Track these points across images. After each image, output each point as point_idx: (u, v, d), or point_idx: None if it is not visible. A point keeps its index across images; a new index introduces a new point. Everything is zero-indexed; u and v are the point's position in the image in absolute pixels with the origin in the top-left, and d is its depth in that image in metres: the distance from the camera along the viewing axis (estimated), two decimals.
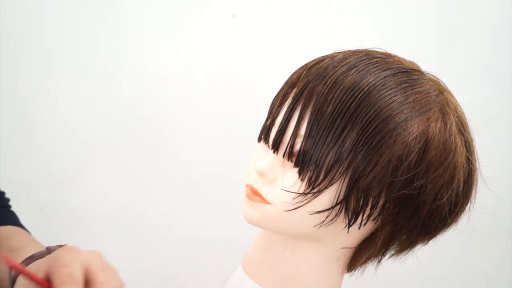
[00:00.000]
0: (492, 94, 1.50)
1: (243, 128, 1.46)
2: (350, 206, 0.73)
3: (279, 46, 1.54)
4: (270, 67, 1.53)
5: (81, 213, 1.63)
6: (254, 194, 0.76)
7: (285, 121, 0.74)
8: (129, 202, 1.63)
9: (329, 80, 0.73)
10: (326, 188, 0.72)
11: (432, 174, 0.72)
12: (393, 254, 0.81)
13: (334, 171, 0.71)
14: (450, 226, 0.79)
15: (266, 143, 0.77)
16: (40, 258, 0.71)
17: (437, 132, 0.72)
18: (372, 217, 0.74)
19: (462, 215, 0.79)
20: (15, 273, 0.69)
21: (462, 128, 0.76)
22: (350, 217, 0.73)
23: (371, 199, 0.72)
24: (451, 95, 0.78)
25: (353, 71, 0.73)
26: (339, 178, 0.72)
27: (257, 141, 0.80)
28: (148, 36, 1.56)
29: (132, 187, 1.62)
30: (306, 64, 0.78)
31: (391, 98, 0.71)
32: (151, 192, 1.62)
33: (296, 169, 0.73)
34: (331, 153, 0.71)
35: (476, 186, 0.78)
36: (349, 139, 0.71)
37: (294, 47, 1.52)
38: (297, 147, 0.73)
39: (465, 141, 0.76)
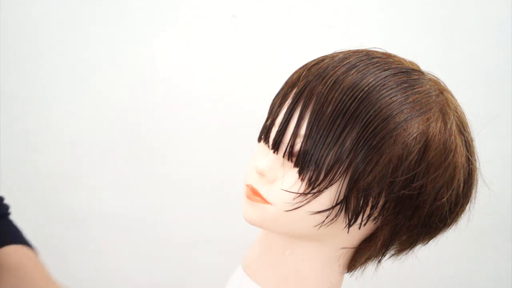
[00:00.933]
0: (492, 94, 1.50)
1: (243, 128, 1.46)
2: (350, 206, 0.73)
3: (279, 46, 1.54)
4: (270, 67, 1.53)
5: (81, 214, 1.63)
6: (254, 194, 0.76)
7: (285, 121, 0.74)
8: (129, 202, 1.63)
9: (329, 80, 0.73)
10: (326, 188, 0.72)
11: (432, 174, 0.72)
12: (393, 254, 0.81)
13: (334, 171, 0.71)
14: (450, 226, 0.79)
15: (266, 143, 0.77)
16: None
17: (437, 132, 0.72)
18: (372, 217, 0.74)
19: (462, 215, 0.79)
20: None
21: (462, 128, 0.76)
22: (350, 217, 0.73)
23: (371, 199, 0.72)
24: (451, 95, 0.78)
25: (353, 71, 0.73)
26: (339, 178, 0.72)
27: (257, 141, 0.80)
28: (148, 37, 1.56)
29: (132, 188, 1.62)
30: (306, 64, 0.78)
31: (391, 98, 0.71)
32: (151, 192, 1.62)
33: (296, 169, 0.73)
34: (331, 153, 0.71)
35: (476, 186, 0.78)
36: (349, 139, 0.71)
37: (294, 47, 1.52)
38: (297, 147, 0.73)
39: (465, 141, 0.76)
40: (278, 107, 0.76)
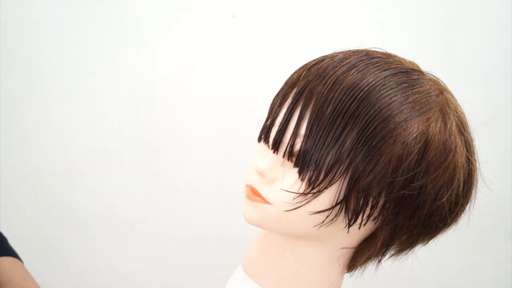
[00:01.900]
0: (492, 94, 1.50)
1: (243, 128, 1.46)
2: (350, 206, 0.73)
3: (279, 46, 1.54)
4: (270, 67, 1.53)
5: (81, 214, 1.63)
6: (254, 194, 0.76)
7: (285, 121, 0.74)
8: (129, 202, 1.63)
9: (329, 80, 0.73)
10: (326, 188, 0.72)
11: (432, 174, 0.72)
12: (393, 254, 0.81)
13: (334, 171, 0.71)
14: (450, 226, 0.79)
15: (266, 143, 0.77)
16: None
17: (437, 132, 0.72)
18: (372, 217, 0.74)
19: (462, 215, 0.79)
20: None
21: (462, 128, 0.76)
22: (350, 217, 0.73)
23: (371, 199, 0.72)
24: (451, 95, 0.78)
25: (353, 71, 0.73)
26: (339, 178, 0.72)
27: (257, 141, 0.80)
28: (148, 37, 1.56)
29: (132, 188, 1.62)
30: (306, 64, 0.78)
31: (391, 98, 0.71)
32: (151, 192, 1.62)
33: (296, 169, 0.73)
34: (331, 153, 0.71)
35: (476, 186, 0.79)
36: (349, 139, 0.71)
37: (294, 47, 1.52)
38: (297, 147, 0.73)
39: (465, 141, 0.76)
40: (278, 107, 0.76)
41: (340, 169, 0.71)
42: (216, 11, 1.54)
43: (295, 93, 0.75)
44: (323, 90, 0.72)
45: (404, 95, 0.72)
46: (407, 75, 0.74)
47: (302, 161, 0.72)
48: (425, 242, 0.80)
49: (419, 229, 0.76)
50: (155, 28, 1.55)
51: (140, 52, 1.56)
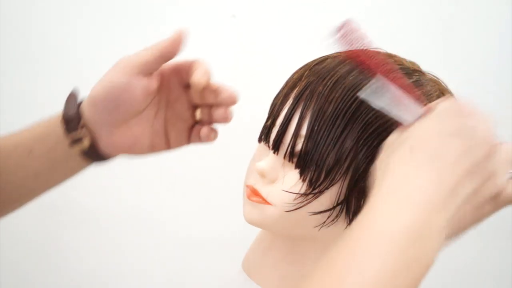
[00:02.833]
0: (492, 94, 1.50)
1: (243, 128, 1.46)
2: (351, 207, 0.73)
3: (279, 46, 1.54)
4: (270, 67, 1.53)
5: (81, 214, 1.63)
6: (254, 194, 0.75)
7: (285, 122, 0.74)
8: (129, 202, 1.62)
9: (330, 80, 0.73)
10: (327, 188, 0.72)
11: None
12: None
13: (335, 172, 0.71)
14: None
15: (266, 144, 0.77)
16: None
17: None
18: None
19: None
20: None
21: None
22: (351, 217, 0.73)
23: None
24: (452, 95, 0.78)
25: (354, 72, 0.73)
26: (340, 178, 0.72)
27: (257, 142, 0.80)
28: (148, 36, 1.56)
29: (132, 187, 1.62)
30: (307, 64, 0.78)
31: None
32: (151, 192, 1.62)
33: (297, 170, 0.73)
34: (331, 154, 0.71)
35: None
36: (350, 139, 0.71)
37: (295, 47, 1.52)
38: (298, 147, 0.73)
39: None
40: (279, 107, 0.76)
41: (341, 170, 0.71)
42: (216, 11, 1.54)
43: (296, 93, 0.75)
44: (324, 90, 0.72)
45: None
46: (408, 75, 0.74)
47: (303, 161, 0.72)
48: None
49: None
50: (155, 28, 1.55)
51: None
